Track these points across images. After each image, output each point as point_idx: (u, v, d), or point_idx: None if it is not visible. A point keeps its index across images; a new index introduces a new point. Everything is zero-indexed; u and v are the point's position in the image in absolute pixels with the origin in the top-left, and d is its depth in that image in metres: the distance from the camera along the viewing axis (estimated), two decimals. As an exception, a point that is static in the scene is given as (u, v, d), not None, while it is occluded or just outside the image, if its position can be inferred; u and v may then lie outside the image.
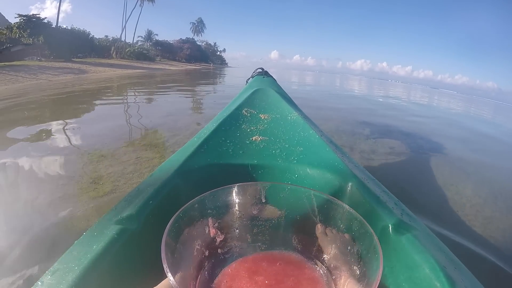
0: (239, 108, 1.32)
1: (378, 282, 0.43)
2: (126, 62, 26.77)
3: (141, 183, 0.82)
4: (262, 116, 1.27)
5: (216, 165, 0.91)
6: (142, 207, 0.67)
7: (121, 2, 34.80)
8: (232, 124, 1.17)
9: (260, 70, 2.20)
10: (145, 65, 26.32)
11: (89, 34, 27.60)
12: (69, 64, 16.83)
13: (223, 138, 1.05)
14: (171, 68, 28.90)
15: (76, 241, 0.60)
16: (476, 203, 2.34)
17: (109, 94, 8.14)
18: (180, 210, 0.55)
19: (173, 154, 1.00)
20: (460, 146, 4.55)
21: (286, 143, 1.05)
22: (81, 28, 26.96)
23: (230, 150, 0.99)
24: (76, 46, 22.86)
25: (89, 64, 18.58)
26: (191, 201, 0.59)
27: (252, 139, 1.06)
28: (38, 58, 18.75)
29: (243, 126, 1.17)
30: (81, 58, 23.50)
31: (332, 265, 0.60)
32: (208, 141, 1.02)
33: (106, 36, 34.60)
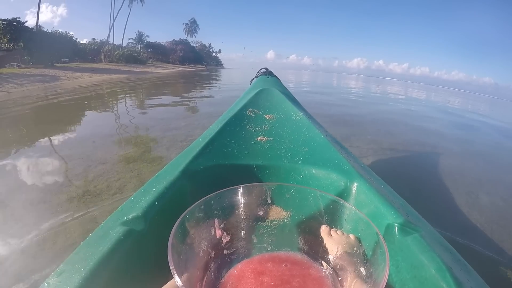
0: (243, 108, 1.32)
1: (385, 282, 0.42)
2: (113, 66, 25.41)
3: (146, 184, 0.82)
4: (266, 116, 1.27)
5: (221, 166, 0.91)
6: (148, 208, 0.67)
7: (112, 4, 33.85)
8: (236, 125, 1.17)
9: (264, 70, 2.19)
10: (132, 69, 24.67)
11: (72, 37, 25.61)
12: (46, 71, 15.53)
13: (228, 139, 1.05)
14: (160, 71, 27.62)
15: (82, 242, 0.60)
16: (485, 206, 2.33)
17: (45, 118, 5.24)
18: (186, 211, 0.55)
19: (178, 155, 1.00)
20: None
21: (291, 143, 1.05)
22: (65, 32, 25.48)
23: (235, 151, 0.99)
24: (58, 50, 20.84)
25: (69, 70, 17.24)
26: (197, 203, 0.59)
27: (257, 140, 1.06)
28: (18, 65, 17.73)
29: (248, 126, 1.17)
30: (66, 63, 22.55)
31: (338, 266, 0.59)
32: (213, 141, 1.02)
33: (93, 39, 33.62)
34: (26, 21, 20.36)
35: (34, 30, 20.94)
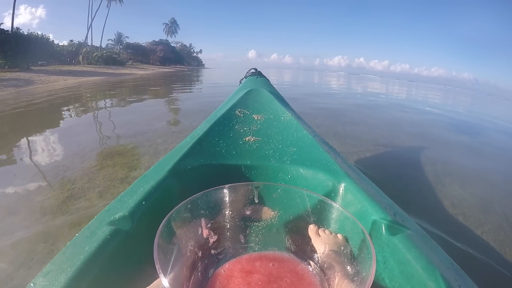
0: (232, 108, 1.32)
1: (372, 280, 0.43)
2: (91, 68, 24.35)
3: (133, 183, 0.81)
4: (255, 116, 1.27)
5: (209, 165, 0.91)
6: (134, 207, 0.67)
7: (90, 3, 32.74)
8: (225, 125, 1.16)
9: (254, 71, 2.19)
10: (110, 71, 23.53)
11: (48, 39, 24.68)
12: (21, 74, 14.67)
13: (216, 139, 1.05)
14: (139, 72, 26.20)
15: (68, 242, 0.60)
16: (470, 203, 2.37)
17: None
18: (173, 210, 0.55)
19: (166, 154, 0.99)
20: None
21: (279, 143, 1.05)
22: (41, 34, 24.07)
23: (223, 151, 0.98)
24: (34, 53, 20.18)
25: (45, 73, 16.31)
26: (183, 202, 0.58)
27: (245, 140, 1.06)
28: None
29: (236, 126, 1.16)
30: (43, 66, 21.70)
31: (325, 265, 0.60)
32: (201, 141, 1.01)
33: (71, 40, 32.56)
34: (2, 23, 19.40)
35: (9, 32, 19.74)
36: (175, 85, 13.75)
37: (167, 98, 8.47)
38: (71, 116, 5.45)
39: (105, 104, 7.16)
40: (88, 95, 9.19)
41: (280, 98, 1.72)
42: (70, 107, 6.50)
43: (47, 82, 13.37)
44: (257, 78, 2.07)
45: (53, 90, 10.27)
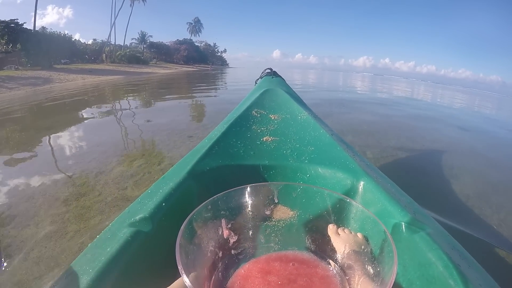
0: (248, 109, 1.33)
1: (393, 281, 0.42)
2: (113, 66, 25.01)
3: (153, 185, 0.82)
4: (272, 116, 1.27)
5: (227, 166, 0.91)
6: (155, 209, 0.68)
7: (113, 3, 33.85)
8: (242, 125, 1.17)
9: (269, 71, 2.19)
10: (132, 70, 24.07)
11: (71, 37, 25.56)
12: (42, 73, 15.17)
13: (234, 140, 1.05)
14: (161, 71, 26.90)
15: (90, 244, 0.61)
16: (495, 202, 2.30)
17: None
18: (194, 211, 0.56)
19: (184, 156, 1.01)
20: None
21: (297, 143, 1.05)
22: (64, 32, 24.91)
23: (241, 151, 0.99)
24: (56, 51, 20.88)
25: (66, 72, 16.89)
26: (204, 203, 0.59)
27: (263, 140, 1.06)
28: (16, 67, 17.59)
29: (253, 127, 1.17)
30: (67, 64, 22.37)
31: (345, 265, 0.59)
32: (219, 142, 1.02)
33: (95, 39, 33.28)
34: (25, 23, 20.11)
35: (32, 31, 20.55)
36: (198, 84, 13.79)
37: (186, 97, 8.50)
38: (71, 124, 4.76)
39: (112, 108, 6.68)
40: (94, 98, 8.51)
41: (296, 97, 1.72)
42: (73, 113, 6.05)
43: (65, 81, 13.67)
44: (272, 78, 2.07)
45: (67, 89, 10.25)
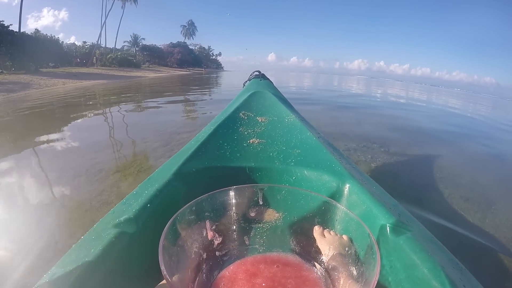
0: (236, 111, 1.33)
1: (376, 281, 0.43)
2: (102, 70, 23.80)
3: (138, 186, 0.82)
4: (259, 118, 1.28)
5: (213, 168, 0.91)
6: (140, 210, 0.67)
7: (103, 4, 32.51)
8: (229, 127, 1.17)
9: (257, 73, 2.21)
10: (121, 73, 22.68)
11: (58, 40, 24.00)
12: (23, 77, 13.92)
13: (221, 141, 1.05)
14: (151, 75, 25.26)
15: (74, 245, 0.60)
16: (477, 195, 2.37)
17: None
18: (178, 213, 0.55)
19: (171, 157, 1.00)
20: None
21: (283, 145, 1.05)
22: (50, 35, 23.50)
23: (228, 153, 0.99)
24: (42, 54, 19.32)
25: (50, 76, 15.58)
26: (188, 204, 0.59)
27: (249, 142, 1.07)
28: (0, 71, 16.01)
29: (240, 129, 1.17)
30: (55, 67, 21.31)
31: (330, 266, 0.60)
32: (205, 144, 1.02)
33: (85, 42, 32.37)
34: (11, 24, 18.81)
35: (17, 33, 19.22)
36: (191, 88, 13.37)
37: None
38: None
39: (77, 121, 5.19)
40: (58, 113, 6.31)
41: (283, 100, 1.73)
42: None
43: (45, 86, 12.46)
44: (260, 80, 2.08)
45: (41, 97, 8.99)
